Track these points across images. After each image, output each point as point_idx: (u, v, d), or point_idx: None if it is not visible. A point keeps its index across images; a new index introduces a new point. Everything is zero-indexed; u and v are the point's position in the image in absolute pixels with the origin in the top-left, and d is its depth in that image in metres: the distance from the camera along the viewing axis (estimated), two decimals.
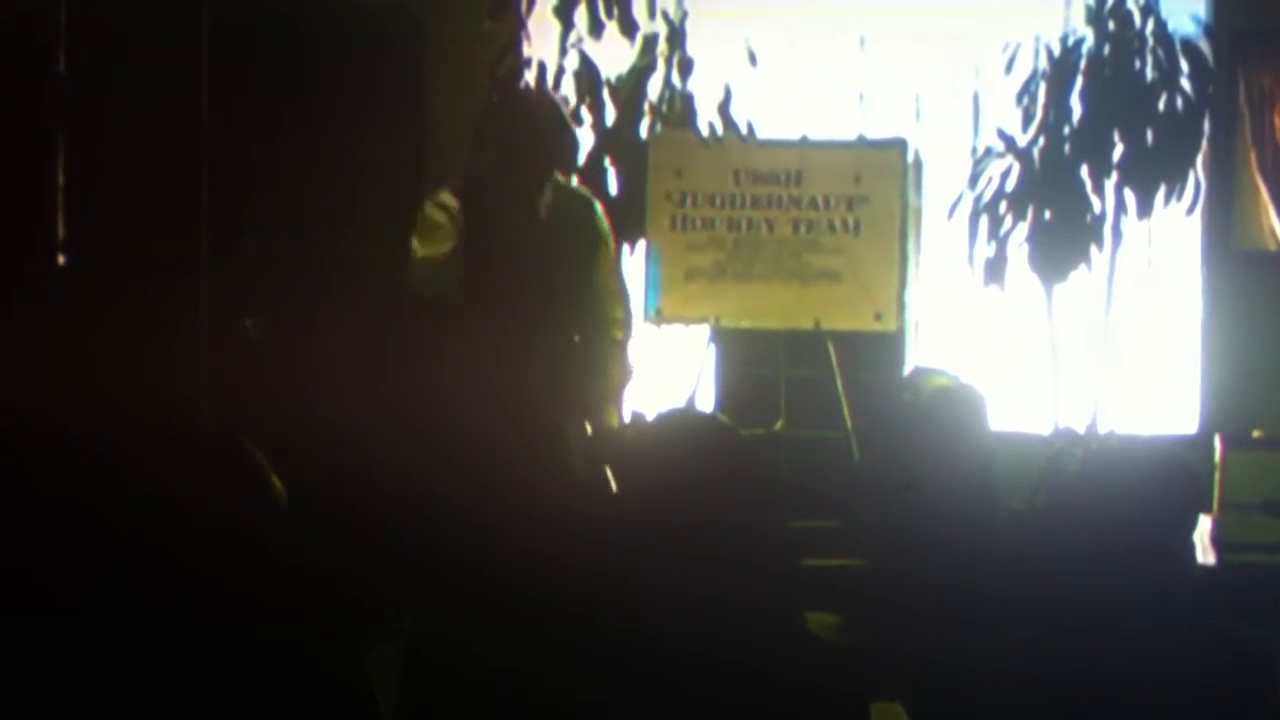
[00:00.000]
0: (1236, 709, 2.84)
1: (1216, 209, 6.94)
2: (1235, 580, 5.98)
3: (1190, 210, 6.62)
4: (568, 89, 6.36)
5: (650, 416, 4.98)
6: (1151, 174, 6.47)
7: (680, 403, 6.21)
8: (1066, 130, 6.48)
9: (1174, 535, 2.93)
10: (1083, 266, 6.54)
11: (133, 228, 5.85)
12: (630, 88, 6.47)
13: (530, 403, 5.38)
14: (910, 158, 6.51)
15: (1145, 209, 6.52)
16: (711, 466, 2.59)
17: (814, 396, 6.42)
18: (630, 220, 6.34)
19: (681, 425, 2.78)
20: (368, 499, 6.07)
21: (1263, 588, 5.99)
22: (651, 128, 6.52)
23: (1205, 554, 6.13)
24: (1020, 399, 6.82)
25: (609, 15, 6.30)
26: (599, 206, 5.78)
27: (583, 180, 6.10)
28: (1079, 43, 6.52)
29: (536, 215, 5.51)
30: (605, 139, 6.27)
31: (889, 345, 6.42)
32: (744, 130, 6.49)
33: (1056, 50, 6.51)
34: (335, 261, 6.44)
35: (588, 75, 6.34)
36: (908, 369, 6.21)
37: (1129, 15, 6.50)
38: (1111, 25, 6.50)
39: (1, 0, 5.83)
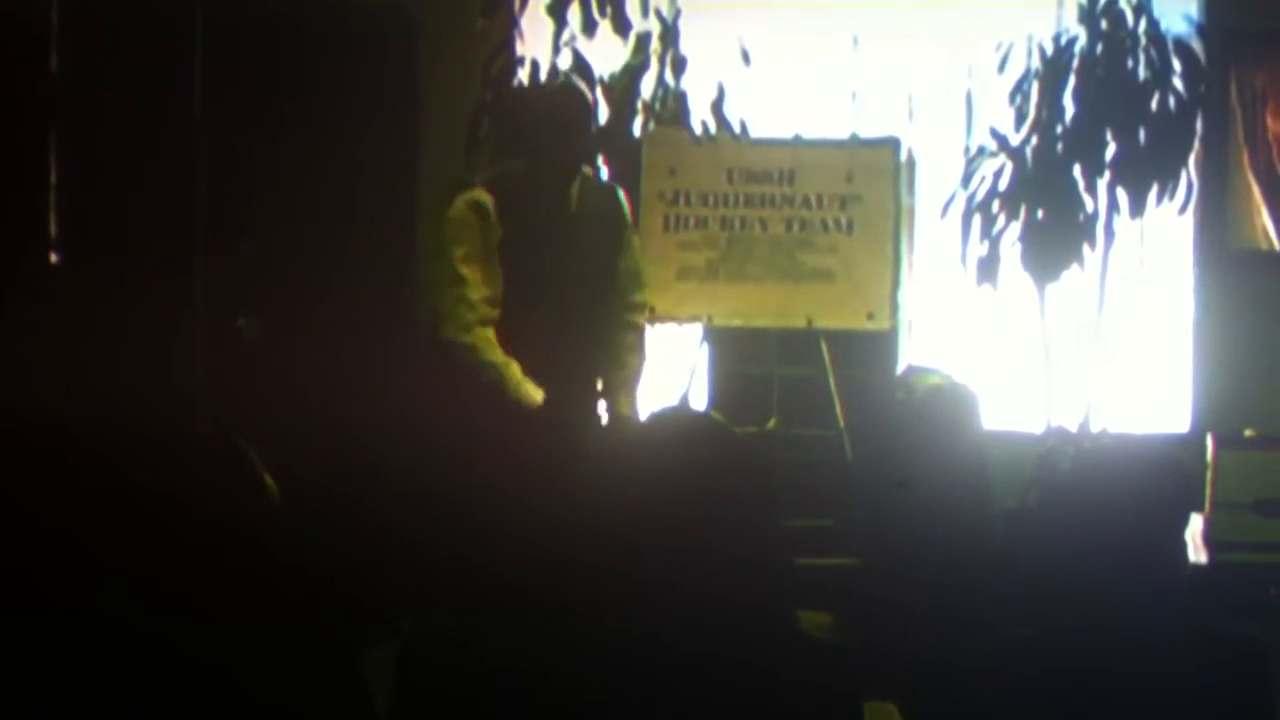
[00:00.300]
0: (1231, 708, 2.85)
1: (1209, 208, 6.95)
2: (1227, 579, 6.00)
3: (1182, 210, 6.63)
4: None
5: (643, 415, 5.00)
6: (1144, 173, 6.48)
7: (673, 401, 6.21)
8: (1059, 129, 6.49)
9: (1166, 534, 2.94)
10: (1075, 266, 6.55)
11: (126, 226, 5.85)
12: (623, 86, 6.47)
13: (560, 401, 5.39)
14: (903, 157, 6.52)
15: (1138, 208, 6.53)
16: (706, 463, 2.59)
17: (807, 395, 6.42)
18: None
19: (675, 423, 2.78)
20: (367, 497, 6.08)
21: (1254, 586, 6.01)
22: (644, 126, 6.52)
23: (1197, 553, 6.14)
24: (1013, 398, 6.83)
25: (602, 13, 6.30)
26: (622, 193, 5.77)
27: None
28: (1072, 42, 6.53)
29: (568, 207, 5.50)
30: (598, 137, 6.27)
31: (882, 344, 6.42)
32: (737, 129, 6.49)
33: (1049, 49, 6.52)
34: (331, 260, 6.44)
35: (581, 73, 6.33)
36: (900, 368, 6.22)
37: (1121, 14, 6.51)
38: (1104, 24, 6.51)
39: None
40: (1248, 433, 6.62)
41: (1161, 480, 2.94)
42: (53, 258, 6.02)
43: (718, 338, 6.55)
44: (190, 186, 5.93)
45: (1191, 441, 6.64)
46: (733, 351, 6.55)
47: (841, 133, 6.72)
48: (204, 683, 2.37)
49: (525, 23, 6.52)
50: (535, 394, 5.37)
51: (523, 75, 6.46)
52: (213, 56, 5.93)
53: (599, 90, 6.31)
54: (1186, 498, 3.03)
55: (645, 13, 6.41)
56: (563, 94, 5.63)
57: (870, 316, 6.39)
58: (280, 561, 2.47)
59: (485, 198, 5.46)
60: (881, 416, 4.80)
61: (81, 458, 2.58)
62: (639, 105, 6.50)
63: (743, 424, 5.58)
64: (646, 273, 5.92)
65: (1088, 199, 6.51)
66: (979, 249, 6.57)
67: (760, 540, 2.59)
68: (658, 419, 2.85)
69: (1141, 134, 6.47)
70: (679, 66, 6.51)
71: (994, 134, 6.58)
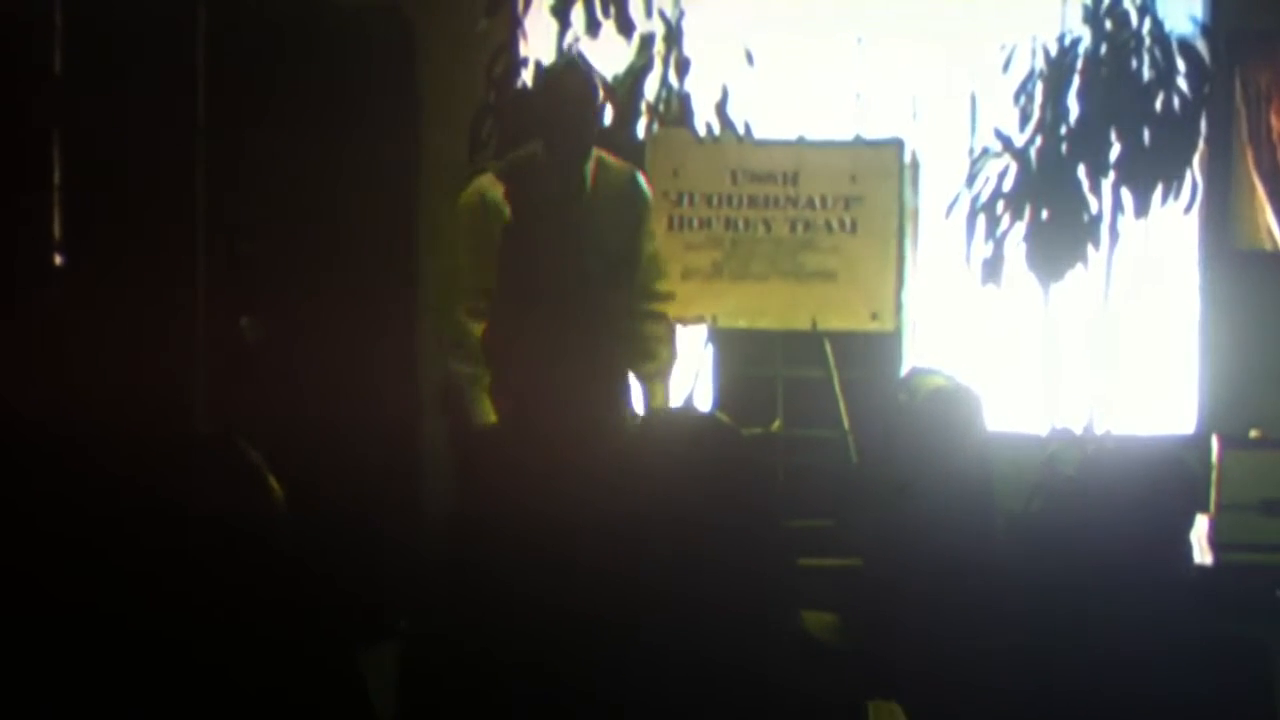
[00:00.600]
0: (1236, 709, 2.84)
1: (1213, 208, 6.95)
2: (1232, 580, 5.99)
3: (1187, 210, 6.62)
4: None
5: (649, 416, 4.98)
6: (1148, 173, 6.47)
7: (678, 403, 6.20)
8: (1064, 130, 6.48)
9: (1171, 535, 2.93)
10: (1080, 266, 6.54)
11: (129, 227, 5.84)
12: (627, 87, 6.46)
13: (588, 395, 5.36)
14: (907, 157, 6.51)
15: (1142, 208, 6.52)
16: (713, 464, 2.59)
17: (811, 396, 6.42)
18: None
19: (682, 424, 2.77)
20: (366, 497, 6.06)
21: (1260, 588, 6.00)
22: (648, 127, 6.51)
23: (1202, 554, 6.14)
24: (1017, 399, 6.83)
25: (606, 14, 6.29)
26: (641, 176, 5.69)
27: None
28: (1076, 42, 6.52)
29: (583, 187, 5.44)
30: (602, 138, 6.26)
31: (886, 345, 6.42)
32: (741, 130, 6.48)
33: (1053, 50, 6.51)
34: (332, 261, 6.44)
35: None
36: (905, 369, 6.21)
37: (1126, 15, 6.50)
38: (1108, 25, 6.50)
39: None
40: (1253, 434, 6.61)
41: (1167, 482, 2.93)
42: (56, 259, 6.02)
43: (722, 339, 6.55)
44: (192, 188, 5.92)
45: (1196, 442, 6.63)
46: (738, 353, 6.54)
47: (845, 133, 6.72)
48: (207, 681, 2.37)
49: (528, 23, 6.51)
50: (488, 415, 5.35)
51: (526, 76, 6.46)
52: (216, 59, 5.93)
53: (602, 91, 6.30)
54: (1192, 499, 3.03)
55: (649, 13, 6.41)
56: (565, 71, 5.59)
57: (874, 318, 6.38)
58: (282, 561, 2.47)
59: (491, 184, 5.43)
60: (885, 418, 4.80)
61: (84, 458, 2.58)
62: (643, 106, 6.49)
63: (747, 425, 5.56)
64: None
65: (1092, 199, 6.50)
66: (983, 250, 6.57)
67: (761, 544, 2.58)
68: (664, 419, 2.84)
69: (1146, 134, 6.46)
70: (683, 67, 6.51)
71: (998, 134, 6.57)
